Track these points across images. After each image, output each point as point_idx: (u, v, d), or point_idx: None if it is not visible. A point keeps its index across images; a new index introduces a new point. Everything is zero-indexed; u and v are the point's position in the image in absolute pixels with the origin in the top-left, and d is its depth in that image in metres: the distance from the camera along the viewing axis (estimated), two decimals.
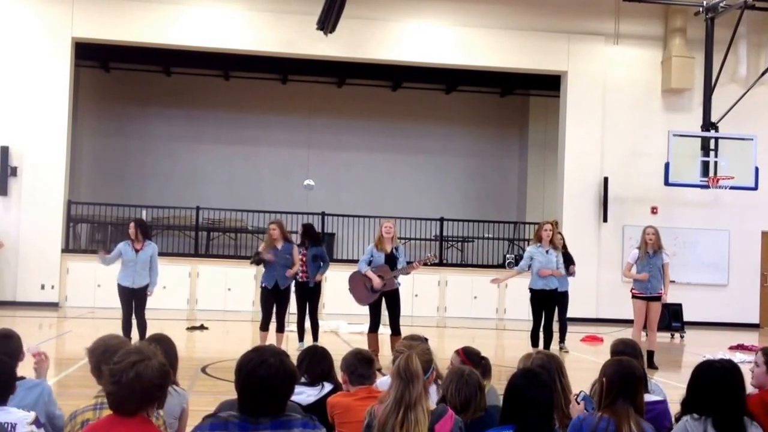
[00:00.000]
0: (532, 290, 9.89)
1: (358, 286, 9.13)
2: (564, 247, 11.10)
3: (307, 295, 10.30)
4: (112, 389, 2.75)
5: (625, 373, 3.46)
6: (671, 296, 15.59)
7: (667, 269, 9.81)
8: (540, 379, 3.27)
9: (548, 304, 9.91)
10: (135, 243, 9.36)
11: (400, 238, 18.38)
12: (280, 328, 9.66)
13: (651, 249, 9.73)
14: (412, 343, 4.34)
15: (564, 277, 10.52)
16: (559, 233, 11.32)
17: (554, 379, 3.72)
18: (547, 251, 9.80)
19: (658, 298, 9.82)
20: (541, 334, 9.94)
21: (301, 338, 10.26)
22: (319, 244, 10.56)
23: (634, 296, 9.89)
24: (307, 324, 10.40)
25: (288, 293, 9.80)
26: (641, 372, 3.54)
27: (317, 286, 10.41)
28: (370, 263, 9.00)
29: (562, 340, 11.20)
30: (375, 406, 3.47)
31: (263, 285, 9.73)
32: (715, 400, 3.34)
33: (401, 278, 9.19)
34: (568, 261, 11.01)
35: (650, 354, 9.62)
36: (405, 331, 10.97)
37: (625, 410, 3.34)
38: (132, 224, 9.57)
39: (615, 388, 3.41)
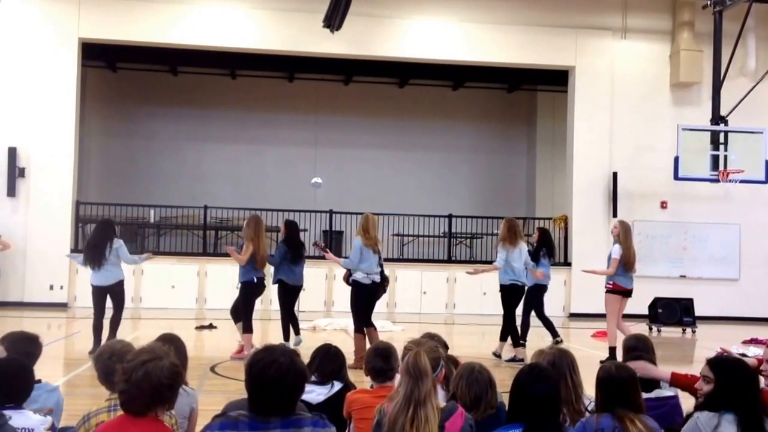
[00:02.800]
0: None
1: None
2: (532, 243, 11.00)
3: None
4: (123, 387, 2.77)
5: (614, 380, 3.44)
6: (683, 291, 15.63)
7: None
8: (545, 375, 3.23)
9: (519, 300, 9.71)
10: None
11: (408, 236, 18.37)
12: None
13: None
14: (420, 340, 4.30)
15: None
16: (541, 228, 11.38)
17: (565, 376, 3.68)
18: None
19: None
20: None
21: (297, 332, 10.01)
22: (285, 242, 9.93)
23: (621, 293, 9.67)
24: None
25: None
26: (632, 374, 3.51)
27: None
28: None
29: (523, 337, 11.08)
30: (385, 403, 3.46)
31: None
32: (735, 396, 3.30)
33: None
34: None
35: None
36: (415, 329, 11.02)
37: (624, 413, 3.34)
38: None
39: (608, 396, 3.41)
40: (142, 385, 2.72)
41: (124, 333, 9.92)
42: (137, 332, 10.00)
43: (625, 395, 3.39)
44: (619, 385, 3.41)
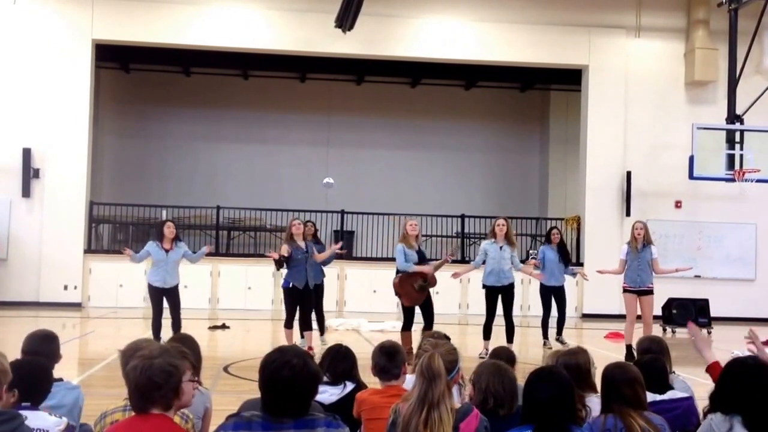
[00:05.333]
0: (484, 286, 9.82)
1: (407, 290, 9.12)
2: (562, 243, 11.22)
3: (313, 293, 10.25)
4: (126, 384, 2.85)
5: (618, 378, 3.47)
6: (697, 291, 15.50)
7: (656, 264, 9.83)
8: (554, 377, 3.22)
9: (503, 300, 9.83)
10: (164, 243, 9.40)
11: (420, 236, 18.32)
12: (309, 326, 9.55)
13: (639, 244, 9.76)
14: (438, 341, 4.27)
15: (561, 274, 10.89)
16: (555, 228, 11.60)
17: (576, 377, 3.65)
18: (501, 247, 9.70)
19: (649, 292, 9.82)
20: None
21: (302, 335, 10.09)
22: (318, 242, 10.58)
23: (625, 290, 9.93)
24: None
25: (312, 292, 9.67)
26: (634, 374, 3.52)
27: (322, 283, 10.39)
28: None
29: (560, 333, 11.17)
30: (399, 404, 3.46)
31: (291, 285, 9.43)
32: (743, 398, 3.25)
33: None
34: (566, 258, 11.10)
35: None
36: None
37: (626, 410, 3.35)
38: (171, 224, 9.62)
39: (610, 393, 3.44)
40: (131, 383, 2.78)
41: (138, 333, 9.96)
42: (150, 332, 9.98)
43: (627, 394, 3.40)
44: (620, 384, 3.43)
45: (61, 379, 3.80)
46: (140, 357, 2.81)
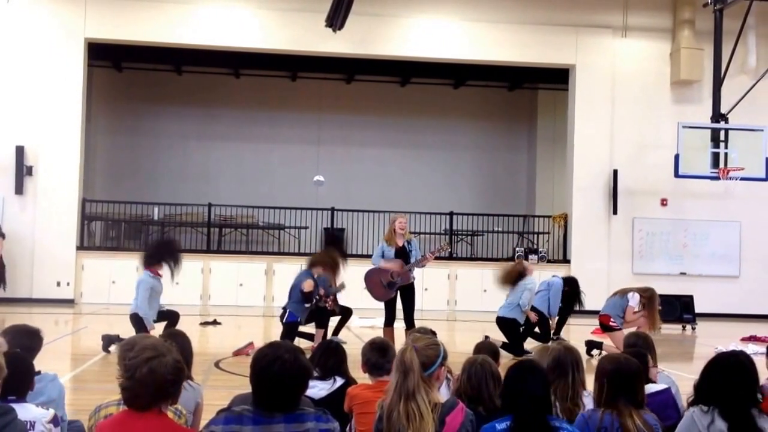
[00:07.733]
0: None
1: (375, 283, 9.24)
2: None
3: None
4: (127, 384, 2.80)
5: (624, 372, 3.47)
6: (683, 288, 15.71)
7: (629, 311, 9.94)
8: (534, 371, 3.26)
9: None
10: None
11: (411, 233, 18.50)
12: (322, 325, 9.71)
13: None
14: (420, 336, 4.37)
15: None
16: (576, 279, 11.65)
17: (567, 373, 3.71)
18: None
19: None
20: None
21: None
22: None
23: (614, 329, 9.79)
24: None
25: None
26: (639, 367, 3.55)
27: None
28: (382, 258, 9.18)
29: (557, 332, 11.32)
30: (383, 398, 3.51)
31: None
32: (723, 391, 3.34)
33: (416, 271, 9.28)
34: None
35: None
36: (417, 325, 11.08)
37: (626, 407, 3.37)
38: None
39: (615, 387, 3.41)
40: (147, 382, 2.75)
41: (130, 329, 10.06)
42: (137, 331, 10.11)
43: (630, 387, 3.43)
44: (627, 376, 3.44)
45: (39, 372, 3.85)
46: (147, 357, 2.79)
